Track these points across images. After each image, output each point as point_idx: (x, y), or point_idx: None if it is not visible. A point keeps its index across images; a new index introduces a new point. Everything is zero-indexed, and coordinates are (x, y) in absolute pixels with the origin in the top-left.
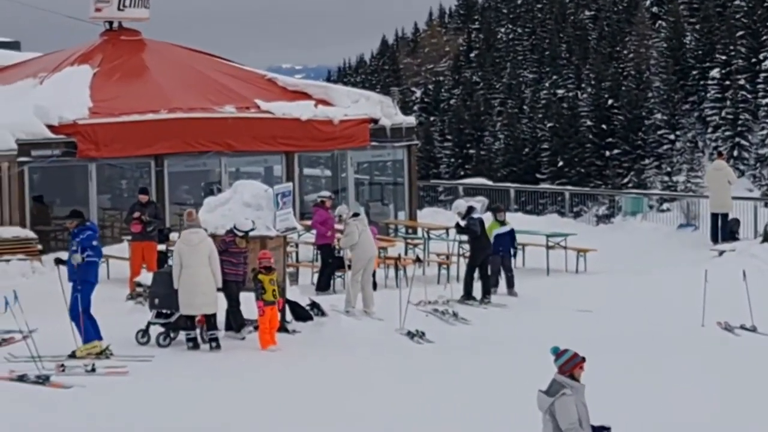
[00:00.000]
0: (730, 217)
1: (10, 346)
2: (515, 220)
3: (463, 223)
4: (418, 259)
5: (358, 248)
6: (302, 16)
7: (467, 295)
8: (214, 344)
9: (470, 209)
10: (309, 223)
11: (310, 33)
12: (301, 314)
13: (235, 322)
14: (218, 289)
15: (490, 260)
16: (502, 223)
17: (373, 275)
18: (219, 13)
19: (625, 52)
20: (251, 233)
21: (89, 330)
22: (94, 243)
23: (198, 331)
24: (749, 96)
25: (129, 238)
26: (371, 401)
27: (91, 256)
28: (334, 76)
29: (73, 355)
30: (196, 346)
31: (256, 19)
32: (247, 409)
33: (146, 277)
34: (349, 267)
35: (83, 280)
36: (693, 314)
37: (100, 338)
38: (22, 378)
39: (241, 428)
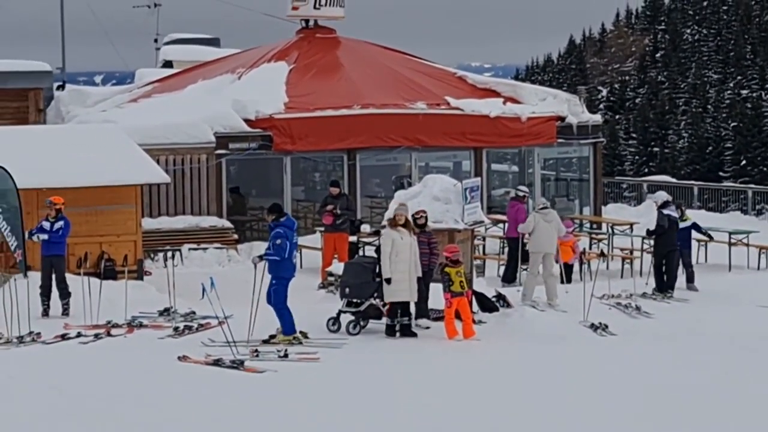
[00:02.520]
0: None
1: (206, 331)
2: (698, 217)
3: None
4: (602, 254)
5: (533, 242)
6: (491, 15)
7: (659, 288)
8: (407, 331)
9: (666, 204)
10: (496, 217)
11: (498, 31)
12: (488, 305)
13: (425, 311)
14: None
15: (673, 255)
16: (682, 219)
17: (570, 269)
18: (410, 12)
19: None
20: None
21: (286, 322)
22: (278, 241)
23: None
24: None
25: (321, 229)
26: (556, 391)
27: (270, 255)
28: (522, 74)
29: (267, 341)
30: (392, 333)
31: (446, 18)
32: (435, 396)
33: (338, 267)
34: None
35: (275, 276)
36: None
37: (293, 332)
38: (217, 362)
39: (429, 414)
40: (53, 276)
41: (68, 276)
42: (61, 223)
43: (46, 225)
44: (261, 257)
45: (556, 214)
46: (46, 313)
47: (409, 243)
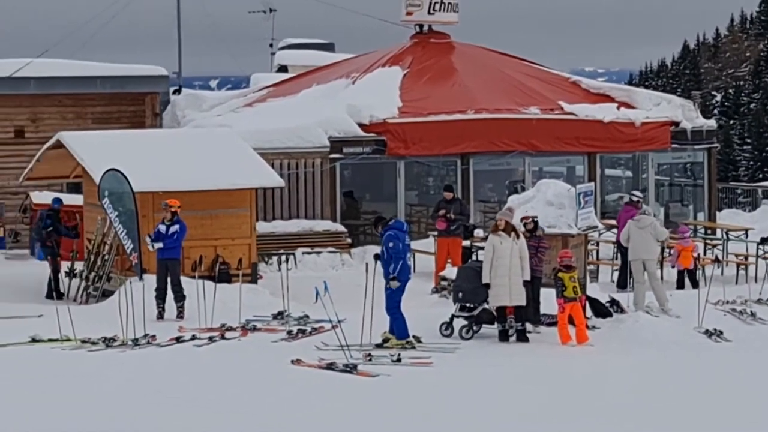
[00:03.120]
0: None
1: (320, 334)
2: None
3: None
4: (716, 260)
5: (630, 250)
6: (605, 20)
7: None
8: (521, 336)
9: None
10: (610, 222)
11: (612, 36)
12: (601, 311)
13: (533, 315)
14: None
15: None
16: None
17: (693, 274)
18: (524, 17)
19: None
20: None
21: (399, 326)
22: (390, 244)
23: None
24: None
25: (435, 233)
26: (670, 398)
27: (395, 266)
28: (635, 79)
29: (380, 345)
30: (506, 339)
31: (559, 23)
32: (548, 401)
33: (451, 271)
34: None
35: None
36: None
37: (407, 336)
38: (330, 366)
39: (542, 420)
40: (168, 279)
41: (183, 279)
42: (176, 226)
43: (162, 228)
44: (394, 277)
45: (652, 219)
46: (161, 315)
47: (510, 248)
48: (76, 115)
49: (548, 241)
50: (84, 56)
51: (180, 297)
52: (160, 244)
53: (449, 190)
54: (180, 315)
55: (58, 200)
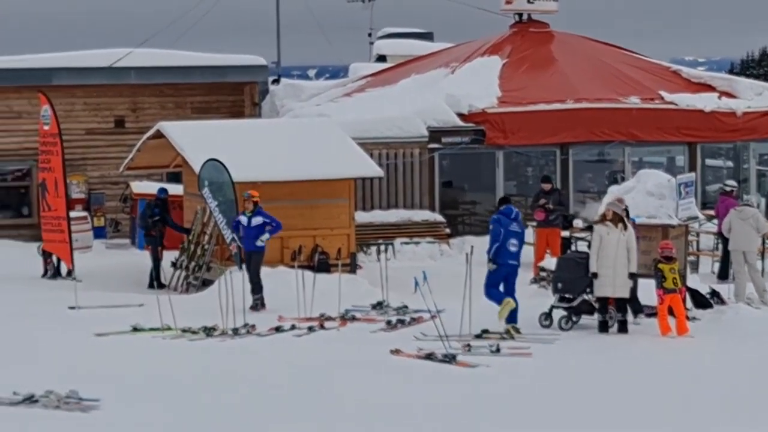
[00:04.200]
0: None
1: (419, 324)
2: None
3: None
4: None
5: (731, 240)
6: (706, 9)
7: None
8: (622, 327)
9: None
10: (710, 212)
11: (713, 25)
12: (701, 302)
13: (632, 307)
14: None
15: None
16: None
17: None
18: (622, 6)
19: None
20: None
21: (495, 300)
22: (490, 227)
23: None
24: None
25: (534, 224)
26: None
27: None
28: (736, 68)
29: (479, 335)
30: (605, 329)
31: (661, 12)
32: (647, 392)
33: (550, 262)
34: None
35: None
36: None
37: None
38: (429, 356)
39: (642, 411)
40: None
41: (282, 269)
42: (259, 218)
43: (243, 219)
44: (490, 259)
45: (755, 211)
46: (256, 306)
47: (616, 239)
48: (176, 105)
49: (648, 232)
50: (184, 46)
51: (258, 289)
52: (234, 248)
53: (548, 181)
54: (256, 307)
55: (163, 190)
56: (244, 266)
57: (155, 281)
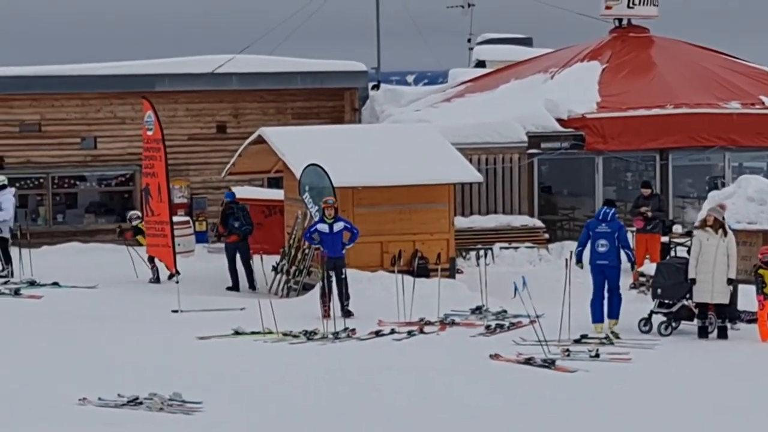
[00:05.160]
0: None
1: (518, 329)
2: None
3: None
4: None
5: None
6: None
7: None
8: (721, 333)
9: None
10: None
11: None
12: None
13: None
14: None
15: None
16: None
17: None
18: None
19: None
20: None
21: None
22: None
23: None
24: None
25: (633, 229)
26: None
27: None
28: None
29: (578, 340)
30: (705, 335)
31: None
32: (748, 397)
33: (649, 267)
34: None
35: None
36: None
37: (594, 320)
38: (529, 361)
39: (746, 419)
40: (334, 278)
41: (382, 273)
42: (340, 224)
43: (323, 227)
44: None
45: None
46: (327, 313)
47: (716, 245)
48: (277, 111)
49: (748, 238)
50: (285, 52)
51: (347, 295)
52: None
53: (647, 187)
54: (346, 313)
55: (230, 194)
56: (331, 273)
57: (236, 284)
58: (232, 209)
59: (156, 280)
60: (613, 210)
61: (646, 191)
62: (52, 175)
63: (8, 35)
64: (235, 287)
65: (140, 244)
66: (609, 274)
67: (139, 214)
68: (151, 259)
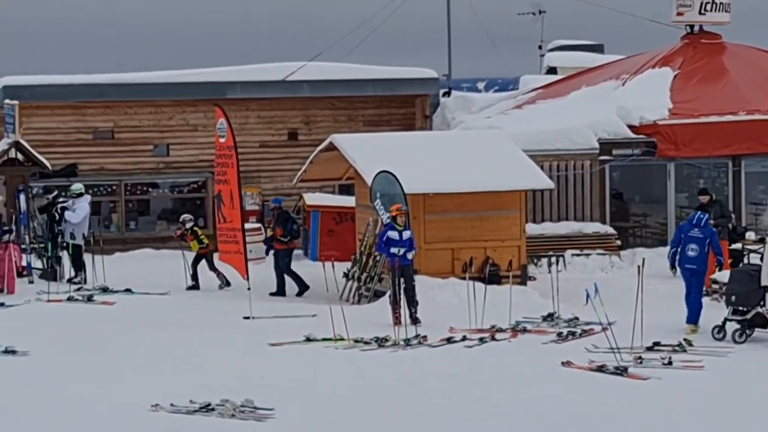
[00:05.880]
0: None
1: (590, 336)
2: None
3: None
4: None
5: None
6: None
7: None
8: None
9: None
10: None
11: None
12: None
13: None
14: None
15: None
16: None
17: None
18: None
19: None
20: None
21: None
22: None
23: None
24: None
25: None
26: None
27: None
28: None
29: (650, 348)
30: None
31: None
32: None
33: (723, 274)
34: None
35: None
36: None
37: (689, 321)
38: (601, 368)
39: None
40: (403, 285)
41: (453, 280)
42: (408, 232)
43: (394, 234)
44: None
45: None
46: (398, 320)
47: None
48: (348, 118)
49: None
50: (356, 59)
51: (415, 302)
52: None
53: (705, 194)
54: (415, 320)
55: (278, 200)
56: (399, 280)
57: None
58: (287, 214)
59: (226, 284)
60: (706, 216)
61: (705, 198)
62: (125, 182)
63: (82, 42)
64: (281, 292)
65: (192, 249)
66: (696, 279)
67: (192, 217)
68: (213, 267)
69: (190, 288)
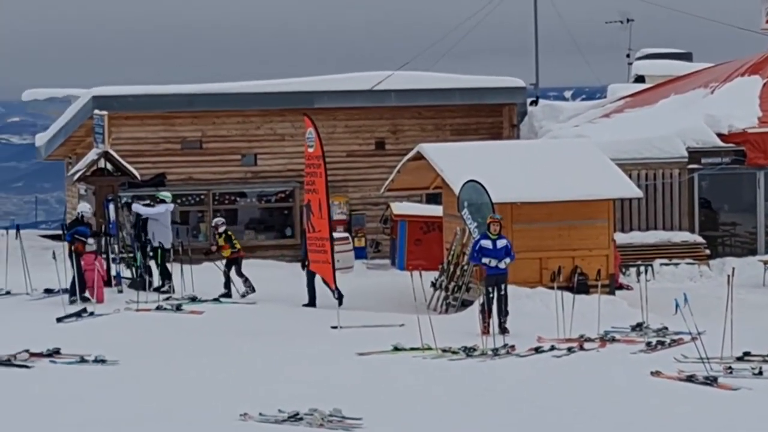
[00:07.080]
0: None
1: (679, 346)
2: None
3: None
4: None
5: None
6: None
7: None
8: None
9: None
10: None
11: None
12: None
13: None
14: None
15: None
16: None
17: None
18: None
19: None
20: None
21: None
22: None
23: None
24: None
25: None
26: None
27: None
28: None
29: (740, 358)
30: None
31: None
32: None
33: None
34: None
35: None
36: None
37: None
38: (690, 378)
39: None
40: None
41: (541, 290)
42: (503, 240)
43: (487, 243)
44: None
45: None
46: (486, 330)
47: None
48: (435, 127)
49: None
50: (443, 68)
51: (506, 312)
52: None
53: None
54: (503, 330)
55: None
56: (491, 289)
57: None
58: None
59: (251, 289)
60: None
61: None
62: (213, 191)
63: (171, 53)
64: (312, 303)
65: (224, 257)
66: None
67: (224, 220)
68: (240, 272)
69: (222, 296)
